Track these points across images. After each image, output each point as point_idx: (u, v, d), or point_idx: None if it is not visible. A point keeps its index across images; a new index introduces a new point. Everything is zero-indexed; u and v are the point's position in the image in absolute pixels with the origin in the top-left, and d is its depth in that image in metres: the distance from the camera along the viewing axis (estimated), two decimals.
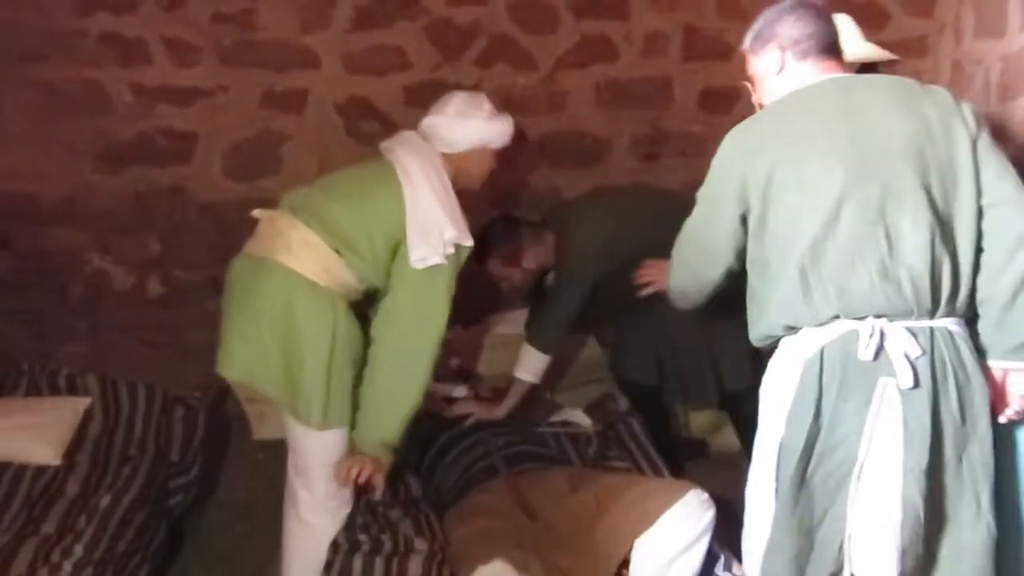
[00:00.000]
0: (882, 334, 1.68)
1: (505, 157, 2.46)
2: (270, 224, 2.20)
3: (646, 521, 1.99)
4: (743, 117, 2.91)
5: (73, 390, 2.71)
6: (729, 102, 3.21)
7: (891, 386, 1.67)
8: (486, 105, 2.36)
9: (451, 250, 2.14)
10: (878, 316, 1.69)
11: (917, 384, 1.66)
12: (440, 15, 3.06)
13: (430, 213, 2.13)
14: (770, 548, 1.77)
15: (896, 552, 1.67)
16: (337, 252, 2.13)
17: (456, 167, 2.31)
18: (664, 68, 3.21)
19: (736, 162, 1.80)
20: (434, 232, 2.12)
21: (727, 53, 3.20)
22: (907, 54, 3.30)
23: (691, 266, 1.96)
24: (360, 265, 2.16)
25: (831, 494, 1.71)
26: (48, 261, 3.13)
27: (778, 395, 1.79)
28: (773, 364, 1.84)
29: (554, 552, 2.04)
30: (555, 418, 2.67)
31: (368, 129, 3.11)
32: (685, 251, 1.97)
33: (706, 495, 2.04)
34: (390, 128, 3.10)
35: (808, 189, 1.72)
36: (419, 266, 2.12)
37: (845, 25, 2.30)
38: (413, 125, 3.03)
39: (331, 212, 2.16)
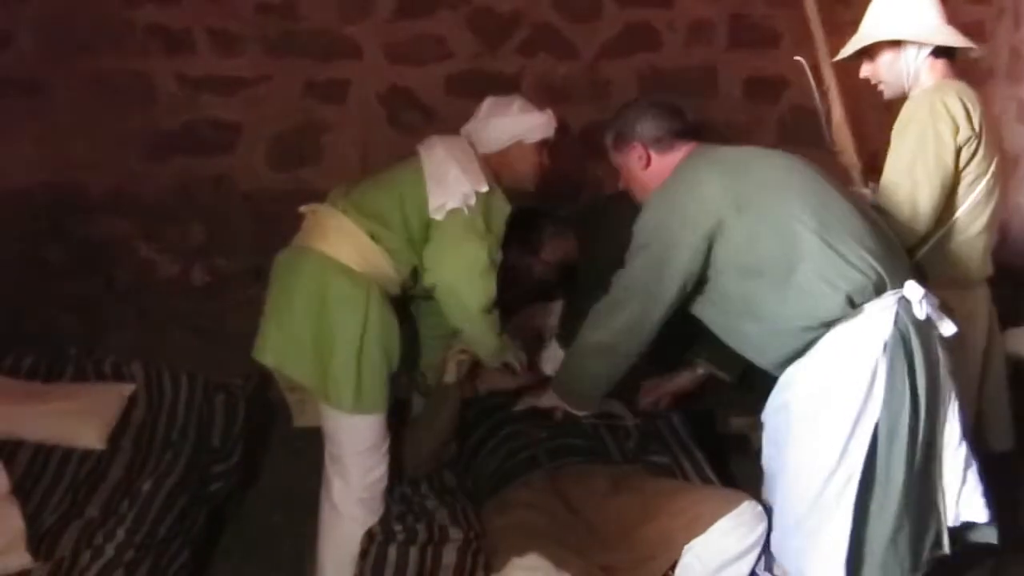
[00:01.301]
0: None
1: (554, 151, 2.48)
2: (312, 217, 2.28)
3: (698, 527, 1.98)
4: (790, 107, 2.83)
5: (119, 376, 2.75)
6: (776, 91, 3.15)
7: (941, 338, 1.86)
8: (516, 103, 2.42)
9: (471, 199, 2.18)
10: (902, 279, 1.85)
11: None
12: (481, 4, 3.04)
13: (441, 166, 2.22)
14: (895, 532, 1.83)
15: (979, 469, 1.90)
16: (372, 238, 2.18)
17: (499, 165, 2.37)
18: (709, 56, 3.16)
19: (689, 200, 1.93)
20: (444, 180, 2.19)
21: (774, 41, 3.14)
22: None
23: (633, 314, 2.02)
24: (395, 243, 2.20)
25: (927, 457, 1.86)
26: (97, 249, 3.19)
27: (846, 382, 1.82)
28: (824, 354, 1.85)
29: (595, 551, 2.03)
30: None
31: (409, 119, 3.11)
32: (628, 298, 2.02)
33: (760, 507, 2.02)
34: (431, 118, 3.11)
35: (775, 184, 1.91)
36: (439, 216, 2.18)
37: (920, 3, 2.20)
38: (454, 115, 3.04)
39: (363, 195, 2.25)
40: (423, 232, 2.23)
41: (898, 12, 2.17)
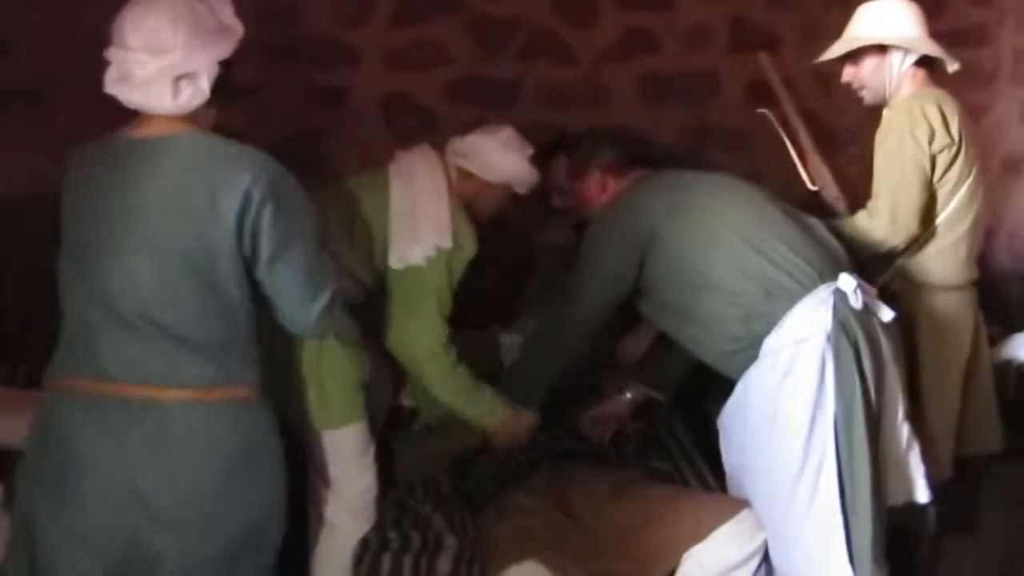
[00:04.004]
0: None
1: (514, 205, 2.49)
2: None
3: (698, 534, 1.97)
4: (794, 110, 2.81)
5: None
6: (777, 95, 3.13)
7: (883, 324, 1.96)
8: (529, 151, 2.38)
9: (431, 252, 2.13)
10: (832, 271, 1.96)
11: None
12: (480, 9, 3.03)
13: (413, 211, 2.15)
14: (875, 520, 1.88)
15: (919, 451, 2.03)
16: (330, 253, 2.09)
17: (477, 192, 2.33)
18: (709, 61, 3.15)
19: (625, 213, 2.14)
20: (412, 231, 2.13)
21: (775, 45, 3.12)
22: (966, 43, 3.19)
23: (569, 315, 2.21)
24: (351, 258, 2.14)
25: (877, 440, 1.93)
26: None
27: (796, 376, 1.88)
28: (772, 353, 1.92)
29: (594, 557, 2.01)
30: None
31: (409, 125, 3.10)
32: (567, 300, 2.21)
33: None
34: (431, 123, 3.09)
35: (709, 196, 2.08)
36: (398, 266, 2.14)
37: (906, 13, 2.22)
38: (454, 120, 3.05)
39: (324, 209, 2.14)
40: (381, 250, 2.18)
41: (885, 19, 2.22)
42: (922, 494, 2.03)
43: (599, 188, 2.29)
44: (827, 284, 1.93)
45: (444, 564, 2.00)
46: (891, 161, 2.17)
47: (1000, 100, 3.24)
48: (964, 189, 2.23)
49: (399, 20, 3.02)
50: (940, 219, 2.24)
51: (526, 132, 2.46)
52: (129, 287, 1.57)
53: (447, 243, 2.14)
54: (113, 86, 1.59)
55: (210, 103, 1.65)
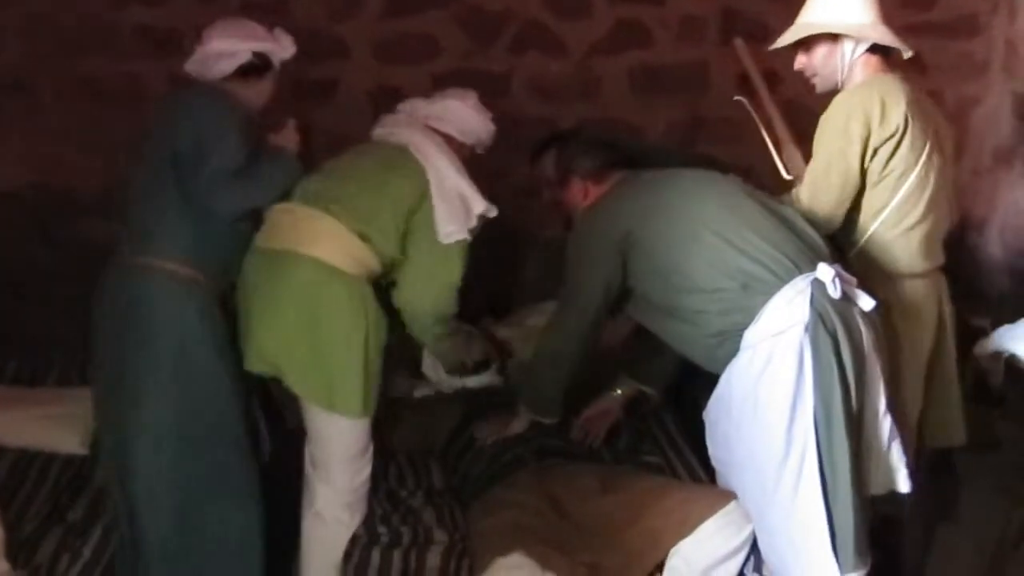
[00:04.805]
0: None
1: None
2: (286, 215, 2.18)
3: (686, 527, 1.97)
4: (783, 101, 2.84)
5: None
6: (769, 86, 3.12)
7: (863, 313, 1.96)
8: (489, 114, 2.45)
9: (474, 223, 2.24)
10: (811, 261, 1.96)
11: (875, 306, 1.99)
12: (471, 2, 3.02)
13: (456, 188, 2.23)
14: (856, 510, 1.88)
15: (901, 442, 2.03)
16: (360, 236, 2.14)
17: (454, 152, 2.36)
18: (701, 53, 3.14)
19: (602, 217, 2.18)
20: (461, 208, 2.21)
21: (767, 36, 3.10)
22: (958, 34, 3.18)
23: (569, 323, 2.26)
24: (384, 244, 2.18)
25: (859, 429, 1.94)
26: (87, 253, 3.16)
27: (775, 368, 1.89)
28: (752, 346, 1.92)
29: (581, 551, 2.01)
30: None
31: None
32: (564, 308, 2.27)
33: None
34: None
35: (685, 193, 2.11)
36: (447, 240, 2.20)
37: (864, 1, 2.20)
38: None
39: (350, 195, 2.18)
40: (404, 226, 2.21)
41: (836, 7, 2.19)
42: (904, 484, 2.03)
43: (582, 194, 2.32)
44: (805, 275, 1.93)
45: (434, 559, 2.00)
46: (818, 153, 2.17)
47: (992, 91, 3.23)
48: (912, 177, 2.17)
49: (389, 13, 3.01)
50: (889, 208, 2.19)
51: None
52: (137, 182, 2.19)
53: (493, 211, 2.26)
54: (187, 65, 2.23)
55: (246, 80, 2.23)
